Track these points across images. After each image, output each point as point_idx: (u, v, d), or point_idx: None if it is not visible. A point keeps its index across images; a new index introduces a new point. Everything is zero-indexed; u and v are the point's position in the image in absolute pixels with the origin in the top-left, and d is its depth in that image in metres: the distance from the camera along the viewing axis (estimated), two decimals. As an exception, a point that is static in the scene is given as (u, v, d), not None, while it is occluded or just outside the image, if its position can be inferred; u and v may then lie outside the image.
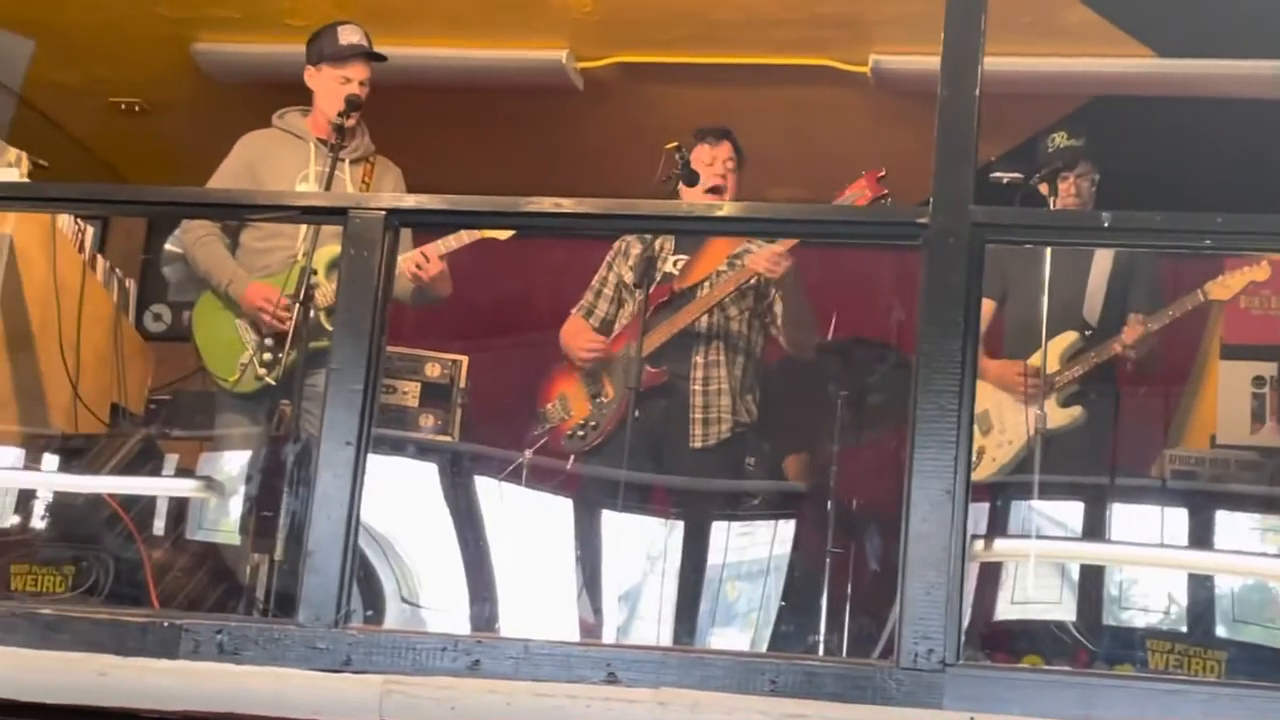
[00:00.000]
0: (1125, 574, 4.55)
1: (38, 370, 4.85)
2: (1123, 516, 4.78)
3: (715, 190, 5.07)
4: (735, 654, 4.15)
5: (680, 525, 5.01)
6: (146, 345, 5.92)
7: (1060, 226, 4.13)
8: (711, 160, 5.11)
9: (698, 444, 4.98)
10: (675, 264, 5.11)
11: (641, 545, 5.05)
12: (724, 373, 5.01)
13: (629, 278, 5.15)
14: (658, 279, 5.07)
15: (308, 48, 5.10)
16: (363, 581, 4.61)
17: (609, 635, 4.93)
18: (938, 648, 3.23)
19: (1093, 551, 4.64)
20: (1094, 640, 4.42)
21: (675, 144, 4.98)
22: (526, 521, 5.13)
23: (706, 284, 5.04)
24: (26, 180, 4.92)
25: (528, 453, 5.15)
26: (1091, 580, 4.57)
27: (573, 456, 5.08)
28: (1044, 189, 5.02)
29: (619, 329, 5.16)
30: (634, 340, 5.00)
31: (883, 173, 4.68)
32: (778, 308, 5.01)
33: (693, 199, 4.98)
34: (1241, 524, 4.76)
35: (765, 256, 4.84)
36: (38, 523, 4.65)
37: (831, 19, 5.77)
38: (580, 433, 5.06)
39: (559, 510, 5.09)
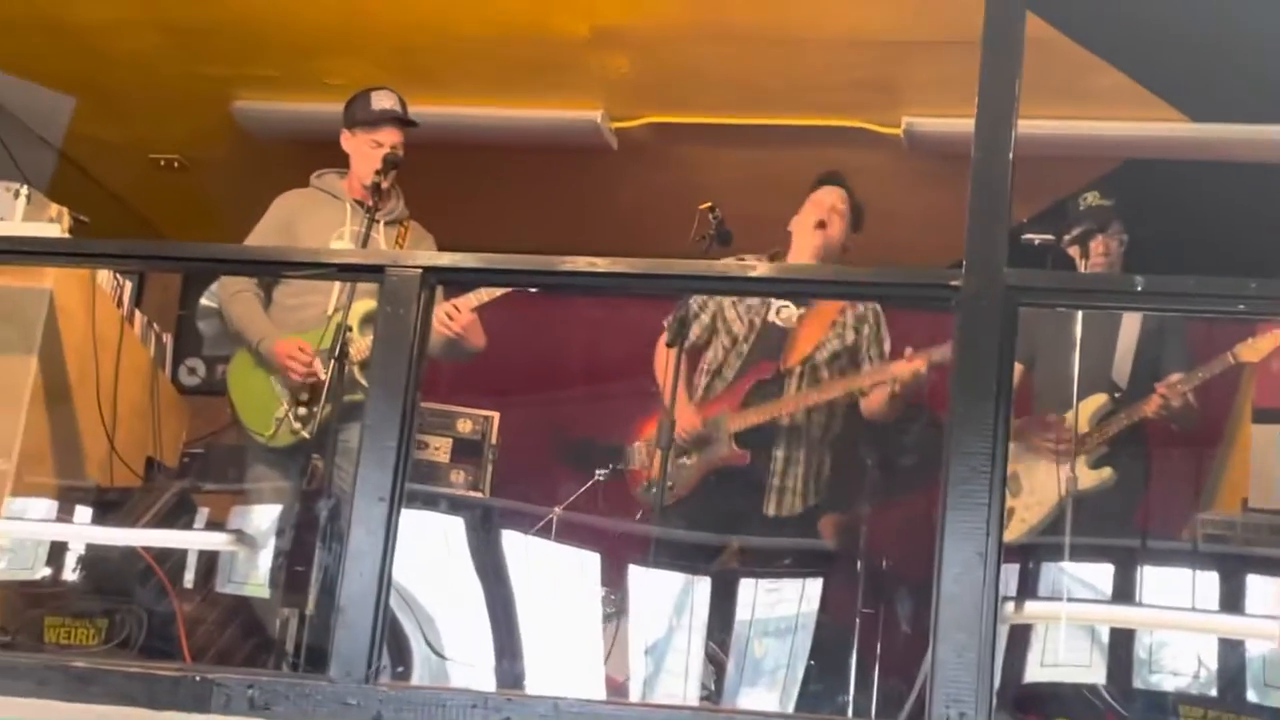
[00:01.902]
0: (1156, 637, 4.52)
1: (75, 423, 4.89)
2: (1153, 579, 4.76)
3: (820, 226, 5.12)
4: (764, 714, 4.13)
5: (708, 582, 5.01)
6: (181, 399, 5.96)
7: (1093, 290, 4.13)
8: (819, 202, 5.19)
9: (771, 512, 5.04)
10: (784, 315, 5.15)
11: (677, 602, 5.04)
12: (801, 451, 5.07)
13: (730, 314, 5.19)
14: (761, 327, 5.14)
15: (344, 113, 5.18)
16: (391, 637, 4.61)
17: (635, 693, 4.92)
18: (969, 710, 3.21)
19: (1123, 614, 4.61)
20: (1125, 704, 4.39)
21: (709, 204, 5.01)
22: (558, 576, 5.13)
23: (806, 365, 5.09)
24: (67, 235, 4.98)
25: (600, 476, 5.28)
26: (1122, 643, 4.54)
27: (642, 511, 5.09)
28: (1074, 251, 5.02)
29: (719, 386, 5.17)
30: (730, 409, 5.07)
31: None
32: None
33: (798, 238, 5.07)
34: (1273, 589, 4.73)
35: (907, 368, 4.85)
36: (71, 575, 4.67)
37: (865, 82, 5.81)
38: (655, 489, 5.03)
39: (591, 565, 5.09)
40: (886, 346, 5.19)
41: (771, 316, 5.17)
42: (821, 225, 5.13)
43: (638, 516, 5.09)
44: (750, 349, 5.17)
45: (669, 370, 4.97)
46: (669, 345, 5.07)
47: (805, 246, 5.16)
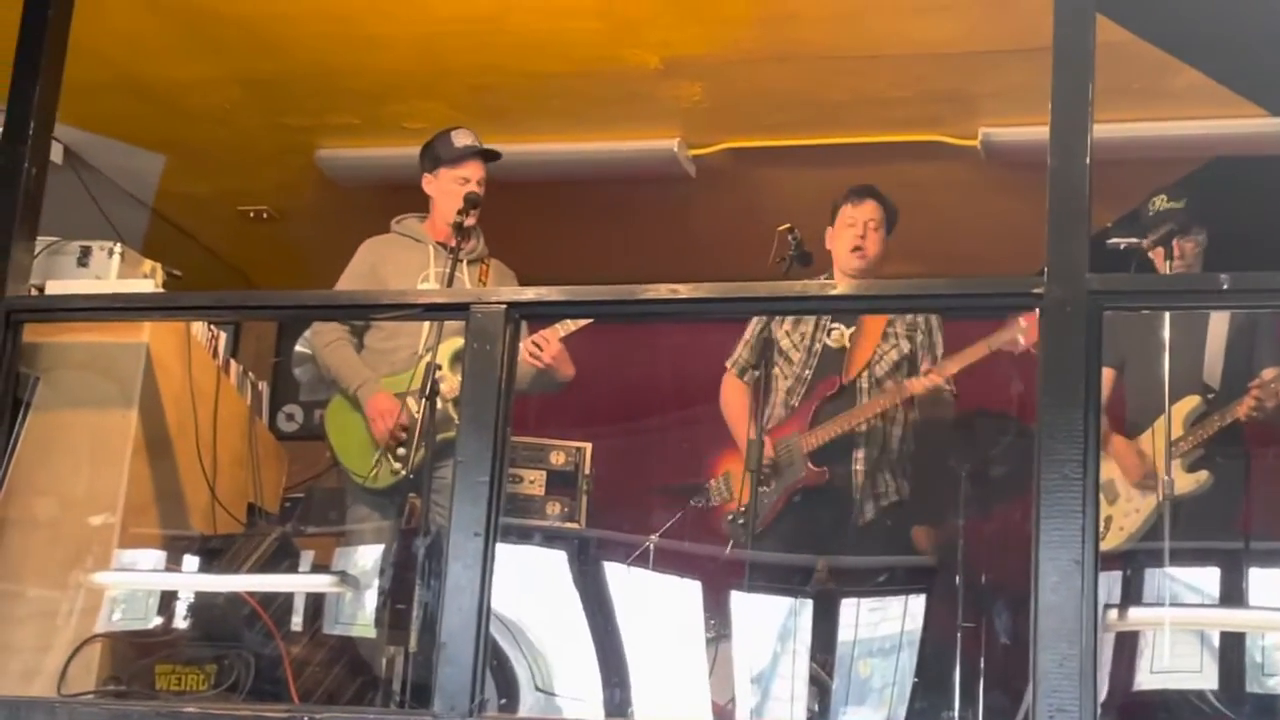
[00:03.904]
0: (1270, 640, 4.45)
1: (177, 474, 4.97)
2: (1260, 581, 4.69)
3: (856, 250, 5.15)
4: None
5: (810, 604, 5.01)
6: (280, 445, 6.04)
7: (1178, 290, 4.11)
8: (853, 221, 5.21)
9: (864, 520, 5.08)
10: (834, 336, 5.18)
11: (778, 625, 5.04)
12: (876, 460, 5.11)
13: (785, 344, 5.24)
14: (819, 351, 5.18)
15: (422, 157, 5.24)
16: (496, 670, 4.65)
17: (742, 718, 4.92)
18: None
19: (1229, 618, 4.54)
20: (1236, 710, 4.33)
21: (788, 225, 5.03)
22: (657, 604, 5.14)
23: (866, 374, 5.13)
24: (161, 290, 5.08)
25: (695, 502, 5.28)
26: (1233, 648, 4.48)
27: (730, 542, 5.11)
28: (1158, 254, 4.98)
29: (783, 412, 5.21)
30: (801, 429, 5.12)
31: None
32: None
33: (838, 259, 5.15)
34: (1383, 584, 4.65)
35: (923, 385, 5.01)
36: (180, 623, 4.74)
37: (940, 94, 5.80)
38: (740, 520, 5.08)
39: (690, 592, 5.11)
40: (939, 352, 5.21)
41: (824, 340, 5.19)
42: (858, 250, 5.18)
43: (728, 549, 5.10)
44: (812, 374, 5.21)
45: (739, 402, 5.06)
46: (754, 367, 5.11)
47: (846, 269, 5.22)
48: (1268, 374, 4.87)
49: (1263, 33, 5.12)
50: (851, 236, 5.20)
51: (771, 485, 5.12)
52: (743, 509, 5.07)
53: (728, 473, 5.21)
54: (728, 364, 5.31)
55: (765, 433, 5.15)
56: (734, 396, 5.27)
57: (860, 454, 5.11)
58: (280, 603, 4.67)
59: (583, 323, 4.88)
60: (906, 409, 5.14)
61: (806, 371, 5.21)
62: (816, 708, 4.80)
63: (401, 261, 5.14)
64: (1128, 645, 4.39)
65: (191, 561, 4.90)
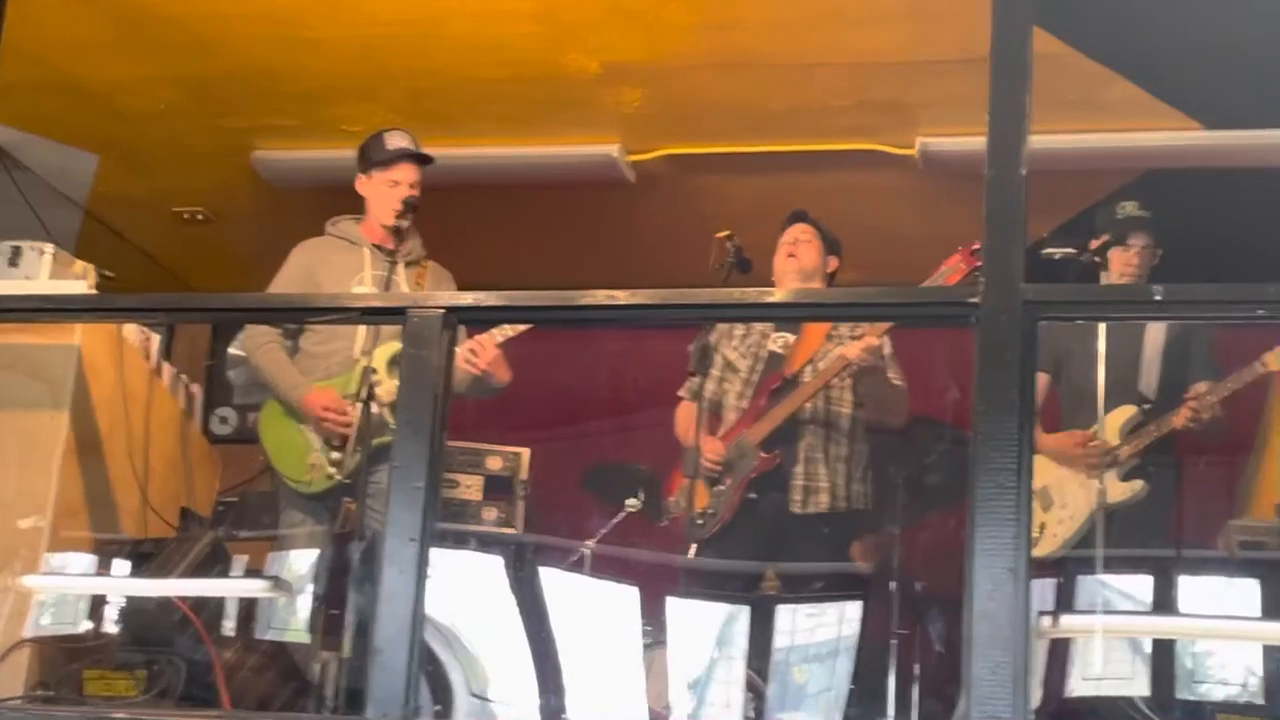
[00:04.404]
0: (1199, 647, 4.49)
1: (108, 477, 4.91)
2: (1191, 588, 4.74)
3: (791, 257, 5.26)
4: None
5: (748, 610, 5.01)
6: (213, 449, 5.99)
7: (1112, 301, 4.14)
8: (784, 241, 5.31)
9: (797, 510, 5.07)
10: (779, 343, 5.21)
11: (715, 630, 5.04)
12: (821, 448, 5.13)
13: (732, 356, 5.25)
14: (765, 358, 5.22)
15: (358, 158, 5.21)
16: (431, 676, 4.62)
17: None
18: (1005, 726, 3.21)
19: (1161, 625, 4.58)
20: (1167, 716, 4.37)
21: (727, 232, 5.05)
22: (595, 610, 5.13)
23: (810, 367, 5.15)
24: (93, 292, 5.02)
25: (630, 506, 5.40)
26: (1164, 655, 4.52)
27: (694, 545, 5.12)
28: (1117, 254, 5.01)
29: (734, 416, 5.22)
30: (747, 428, 5.14)
31: (976, 245, 4.73)
32: (861, 389, 5.12)
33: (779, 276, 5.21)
34: (1312, 593, 4.70)
35: (859, 346, 4.98)
36: (110, 628, 4.69)
37: (878, 104, 5.83)
38: (700, 520, 5.11)
39: (628, 597, 5.10)
40: (886, 351, 5.22)
41: (770, 346, 5.22)
42: (792, 256, 5.26)
43: (692, 551, 5.10)
44: (759, 377, 5.23)
45: (690, 422, 5.07)
46: (691, 374, 5.11)
47: (784, 282, 5.27)
48: (1200, 387, 4.93)
49: (1196, 46, 5.19)
50: (783, 252, 5.30)
51: (727, 483, 5.14)
52: (701, 513, 5.08)
53: (685, 486, 5.22)
54: (681, 393, 5.32)
55: (719, 439, 5.17)
56: (687, 418, 5.27)
57: (805, 440, 5.13)
58: (212, 608, 4.63)
59: (520, 328, 4.86)
60: (853, 394, 5.14)
61: (754, 376, 5.24)
62: (753, 714, 4.80)
63: (337, 264, 5.10)
64: (1060, 652, 4.42)
65: (122, 565, 4.84)
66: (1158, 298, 3.63)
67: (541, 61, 5.65)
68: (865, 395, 5.13)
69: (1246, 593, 4.57)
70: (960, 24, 4.87)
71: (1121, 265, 5.05)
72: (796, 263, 5.27)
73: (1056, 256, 4.91)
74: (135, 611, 4.70)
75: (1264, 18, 4.95)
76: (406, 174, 5.11)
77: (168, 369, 5.55)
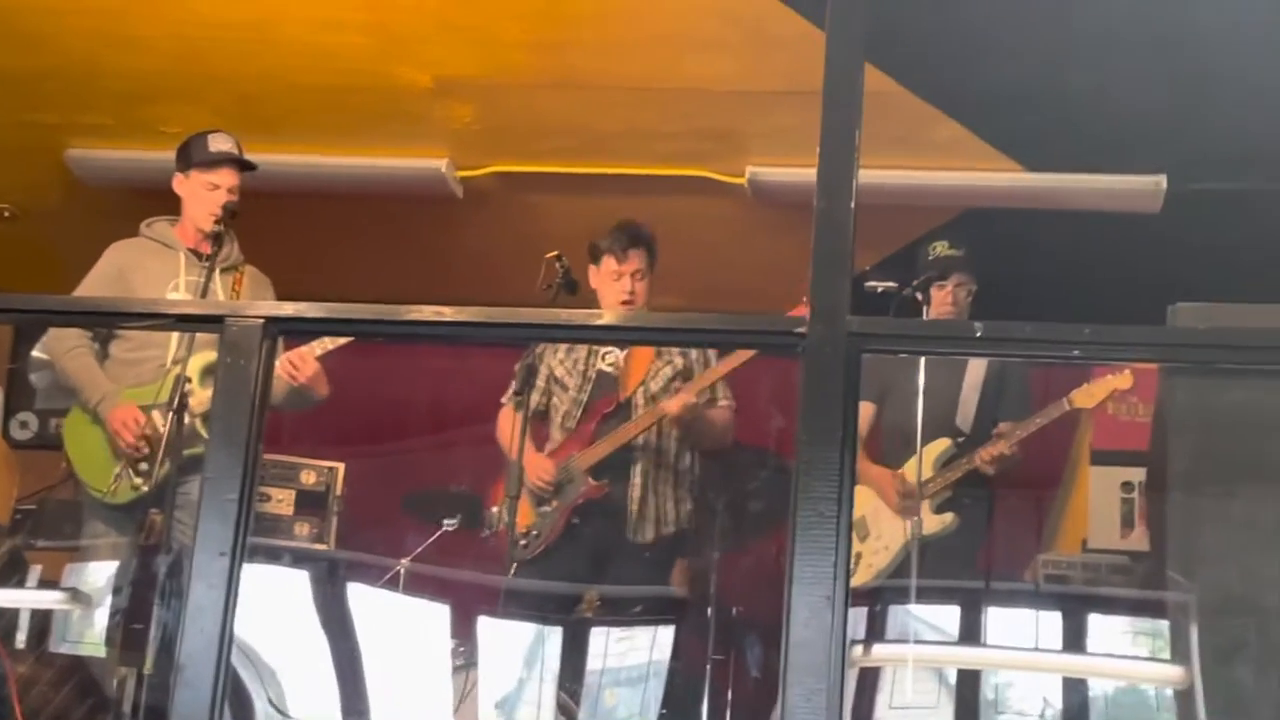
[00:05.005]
0: (1001, 677, 4.58)
1: (-100, 480, 4.73)
2: (998, 620, 4.84)
3: (626, 303, 5.13)
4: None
5: (561, 631, 4.99)
6: (13, 453, 5.80)
7: (934, 336, 4.20)
8: (619, 275, 5.17)
9: (625, 536, 5.06)
10: (609, 360, 5.18)
11: (524, 653, 5.01)
12: (650, 475, 5.12)
13: (559, 371, 5.21)
14: (593, 376, 5.17)
15: (177, 156, 5.07)
16: (233, 695, 4.52)
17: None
18: (819, 755, 3.22)
19: (969, 656, 4.67)
20: (967, 745, 4.44)
21: (556, 253, 5.02)
22: (406, 629, 5.07)
23: (642, 389, 5.14)
24: (-109, 287, 4.82)
25: (448, 526, 5.30)
26: (968, 684, 4.60)
27: (514, 565, 5.03)
28: (936, 294, 5.11)
29: (562, 436, 5.19)
30: (578, 450, 5.11)
31: None
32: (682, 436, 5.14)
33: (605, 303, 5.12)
34: (1114, 627, 4.83)
35: (677, 403, 4.99)
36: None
37: (709, 132, 5.87)
38: (523, 541, 5.03)
39: (440, 617, 5.04)
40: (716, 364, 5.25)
41: (599, 364, 5.20)
42: (628, 303, 5.14)
43: (513, 570, 5.04)
44: (589, 396, 5.20)
45: (514, 425, 4.97)
46: (517, 393, 5.06)
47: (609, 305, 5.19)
48: (1004, 427, 5.04)
49: (1019, 90, 5.32)
50: (619, 291, 5.16)
51: (553, 505, 5.10)
52: (525, 532, 5.03)
53: (507, 502, 5.16)
54: (503, 400, 5.26)
55: (547, 455, 5.14)
56: (508, 425, 5.22)
57: (638, 469, 5.11)
58: (7, 619, 4.47)
59: (341, 341, 4.78)
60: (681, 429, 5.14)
61: (583, 395, 5.20)
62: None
63: (151, 268, 4.96)
64: (869, 680, 4.47)
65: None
66: (979, 334, 3.68)
67: (372, 72, 5.58)
68: (688, 440, 5.14)
69: (1051, 625, 4.68)
70: (793, 56, 4.93)
71: (939, 302, 5.15)
72: (630, 308, 5.12)
73: (879, 290, 4.98)
74: (-75, 622, 4.53)
75: (1085, 65, 5.10)
76: (227, 178, 4.99)
77: (-33, 370, 5.36)
